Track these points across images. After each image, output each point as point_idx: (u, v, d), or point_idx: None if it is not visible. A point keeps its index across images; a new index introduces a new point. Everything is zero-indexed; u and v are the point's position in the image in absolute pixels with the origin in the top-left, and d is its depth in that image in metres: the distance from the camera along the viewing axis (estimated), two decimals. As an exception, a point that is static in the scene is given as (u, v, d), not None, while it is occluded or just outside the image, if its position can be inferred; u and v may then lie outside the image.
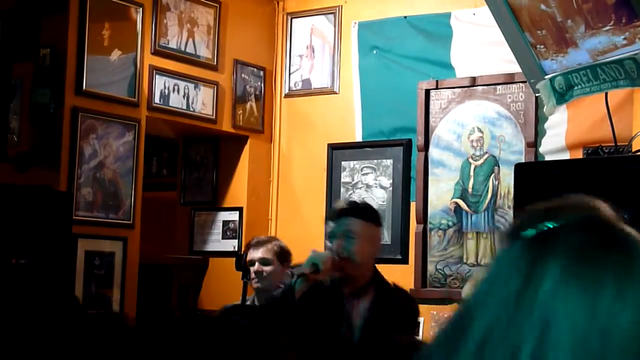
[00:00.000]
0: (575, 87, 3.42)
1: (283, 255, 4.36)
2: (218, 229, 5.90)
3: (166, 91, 5.36)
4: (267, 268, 4.30)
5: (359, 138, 5.69)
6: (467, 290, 4.14)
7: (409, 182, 5.46)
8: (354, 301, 3.30)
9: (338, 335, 3.25)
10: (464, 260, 5.20)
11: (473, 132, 5.25)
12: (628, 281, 0.96)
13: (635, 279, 0.97)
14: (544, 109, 3.74)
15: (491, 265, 1.02)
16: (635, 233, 1.03)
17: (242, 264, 3.58)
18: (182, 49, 5.46)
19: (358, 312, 3.28)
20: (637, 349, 0.95)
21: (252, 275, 4.13)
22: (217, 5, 5.67)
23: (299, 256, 3.79)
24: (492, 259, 1.04)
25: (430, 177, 5.35)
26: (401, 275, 5.30)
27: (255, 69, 5.93)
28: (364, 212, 3.37)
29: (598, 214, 1.05)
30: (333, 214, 3.42)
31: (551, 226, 1.02)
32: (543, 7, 3.37)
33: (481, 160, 5.22)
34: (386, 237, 5.48)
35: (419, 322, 3.29)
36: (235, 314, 2.24)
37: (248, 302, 4.21)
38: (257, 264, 4.24)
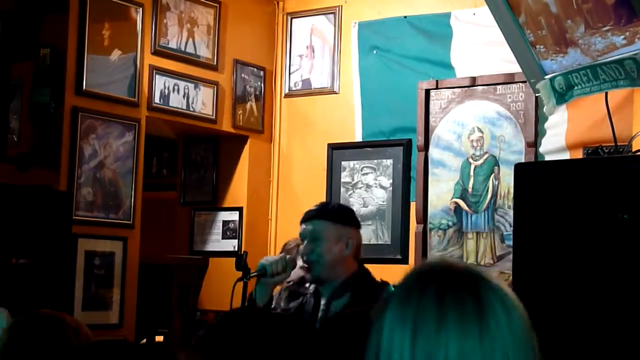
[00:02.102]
0: (575, 87, 3.42)
1: None
2: (218, 229, 5.90)
3: (166, 91, 5.36)
4: None
5: (359, 138, 5.69)
6: None
7: (409, 182, 5.46)
8: (333, 301, 3.35)
9: (301, 330, 3.29)
10: (464, 260, 5.20)
11: (473, 132, 5.25)
12: (442, 321, 1.08)
13: (449, 320, 1.08)
14: (544, 109, 3.74)
15: None
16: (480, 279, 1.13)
17: (242, 264, 3.56)
18: (182, 49, 5.47)
19: (334, 312, 3.31)
20: None
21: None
22: (217, 5, 5.67)
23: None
24: None
25: (430, 177, 5.35)
26: (401, 275, 5.30)
27: (255, 69, 5.93)
28: (331, 213, 3.41)
29: (429, 266, 1.17)
30: (303, 217, 3.48)
31: (392, 289, 1.17)
32: None
33: (481, 160, 5.22)
34: (386, 237, 5.49)
35: None
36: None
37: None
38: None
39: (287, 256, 3.49)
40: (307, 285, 3.45)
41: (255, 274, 3.37)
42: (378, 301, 3.30)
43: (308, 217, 3.44)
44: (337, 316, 2.85)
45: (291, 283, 3.49)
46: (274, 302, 3.46)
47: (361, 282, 3.36)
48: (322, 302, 3.38)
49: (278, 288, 3.56)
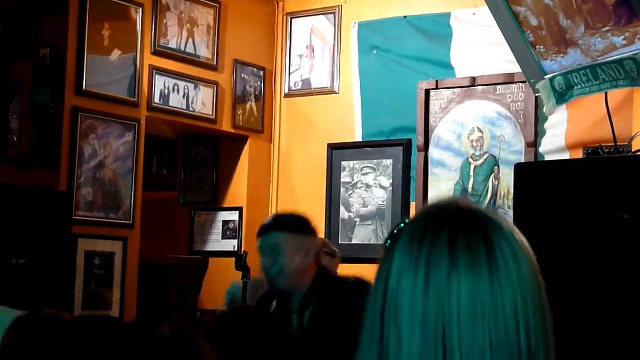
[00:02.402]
0: (575, 87, 3.42)
1: None
2: (218, 229, 5.90)
3: (166, 91, 5.36)
4: None
5: (359, 138, 5.69)
6: None
7: (409, 182, 5.46)
8: (305, 313, 3.29)
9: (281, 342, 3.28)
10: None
11: (473, 132, 5.25)
12: (458, 262, 1.05)
13: (463, 260, 1.05)
14: (544, 109, 3.74)
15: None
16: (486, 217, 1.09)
17: (242, 264, 3.57)
18: (182, 49, 5.47)
19: (304, 323, 3.28)
20: (473, 322, 1.03)
21: None
22: (217, 5, 5.67)
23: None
24: None
25: (430, 177, 5.35)
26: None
27: (255, 69, 5.93)
28: (288, 224, 3.36)
29: (441, 208, 1.12)
30: (259, 231, 3.40)
31: (400, 227, 1.12)
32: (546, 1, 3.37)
33: (481, 160, 5.22)
34: (386, 237, 5.49)
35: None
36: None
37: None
38: None
39: (255, 280, 3.44)
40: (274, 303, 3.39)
41: (228, 307, 3.35)
42: (344, 299, 3.28)
43: (265, 230, 3.35)
44: None
45: (257, 302, 3.47)
46: None
47: (322, 286, 3.31)
48: (294, 315, 3.30)
49: None
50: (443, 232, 1.07)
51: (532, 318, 1.06)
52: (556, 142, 4.94)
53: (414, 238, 1.08)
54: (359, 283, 3.38)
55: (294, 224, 3.37)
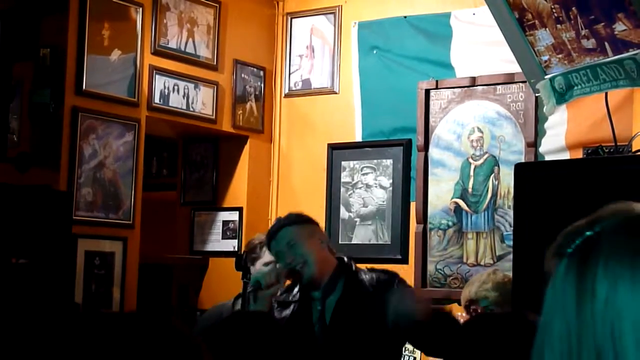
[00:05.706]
0: (575, 87, 3.42)
1: None
2: (218, 229, 5.90)
3: (166, 91, 5.36)
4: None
5: (359, 138, 5.69)
6: (465, 293, 4.13)
7: (409, 182, 5.46)
8: (326, 299, 3.41)
9: (304, 335, 3.33)
10: (464, 260, 5.20)
11: (473, 132, 5.25)
12: None
13: None
14: (544, 109, 3.74)
15: (547, 292, 1.07)
16: None
17: (242, 264, 3.58)
18: (182, 49, 5.47)
19: (330, 309, 3.39)
20: None
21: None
22: (217, 5, 5.67)
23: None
24: (548, 285, 1.08)
25: (430, 177, 5.35)
26: (401, 275, 5.30)
27: (255, 69, 5.93)
28: (291, 219, 3.52)
29: (634, 213, 1.07)
30: (268, 238, 3.52)
31: (590, 234, 1.05)
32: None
33: (481, 160, 5.22)
34: (386, 237, 5.49)
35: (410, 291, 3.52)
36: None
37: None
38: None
39: (278, 265, 3.52)
40: (295, 292, 3.50)
41: (250, 289, 3.40)
42: (371, 287, 3.35)
43: (274, 231, 3.49)
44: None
45: (280, 293, 3.52)
46: None
47: (347, 274, 3.43)
48: (316, 303, 3.42)
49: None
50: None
51: None
52: (556, 142, 4.95)
53: (615, 251, 1.02)
54: (386, 273, 3.47)
55: (295, 218, 3.54)
